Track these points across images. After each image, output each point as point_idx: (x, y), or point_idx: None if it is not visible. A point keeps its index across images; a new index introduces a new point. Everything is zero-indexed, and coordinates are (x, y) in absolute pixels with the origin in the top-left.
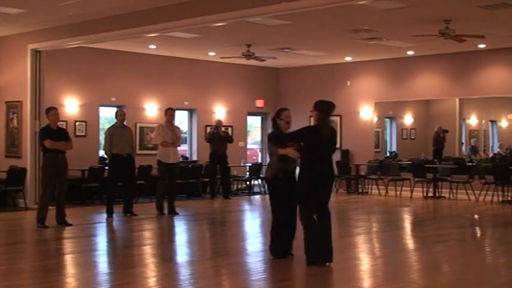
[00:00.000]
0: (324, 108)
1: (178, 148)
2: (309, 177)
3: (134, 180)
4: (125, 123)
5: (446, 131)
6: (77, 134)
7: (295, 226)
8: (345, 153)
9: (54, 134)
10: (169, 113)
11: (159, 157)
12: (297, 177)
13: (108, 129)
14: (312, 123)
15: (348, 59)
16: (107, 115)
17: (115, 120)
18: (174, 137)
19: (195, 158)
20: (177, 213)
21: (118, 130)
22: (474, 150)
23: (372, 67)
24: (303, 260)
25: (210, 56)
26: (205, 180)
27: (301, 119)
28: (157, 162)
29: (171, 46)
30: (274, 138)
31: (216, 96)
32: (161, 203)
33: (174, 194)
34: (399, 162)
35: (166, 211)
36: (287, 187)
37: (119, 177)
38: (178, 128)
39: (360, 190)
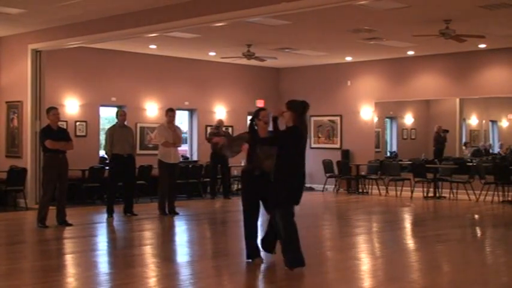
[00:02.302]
0: (299, 109)
1: (179, 148)
2: (291, 177)
3: (135, 180)
4: (125, 123)
5: (447, 131)
6: (78, 134)
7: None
8: (345, 153)
9: (54, 134)
10: (170, 114)
11: (160, 157)
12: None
13: (109, 129)
14: (288, 124)
15: (348, 59)
16: (108, 115)
17: (115, 120)
18: (175, 137)
19: (195, 158)
20: (177, 213)
21: (119, 130)
22: (478, 152)
23: (372, 67)
24: None
25: (210, 56)
26: (206, 180)
27: None
28: (158, 162)
29: (171, 46)
30: (259, 140)
31: (217, 96)
32: (163, 203)
33: (174, 194)
34: (399, 162)
35: (167, 211)
36: (259, 185)
37: (119, 177)
38: (179, 128)
39: (360, 190)
